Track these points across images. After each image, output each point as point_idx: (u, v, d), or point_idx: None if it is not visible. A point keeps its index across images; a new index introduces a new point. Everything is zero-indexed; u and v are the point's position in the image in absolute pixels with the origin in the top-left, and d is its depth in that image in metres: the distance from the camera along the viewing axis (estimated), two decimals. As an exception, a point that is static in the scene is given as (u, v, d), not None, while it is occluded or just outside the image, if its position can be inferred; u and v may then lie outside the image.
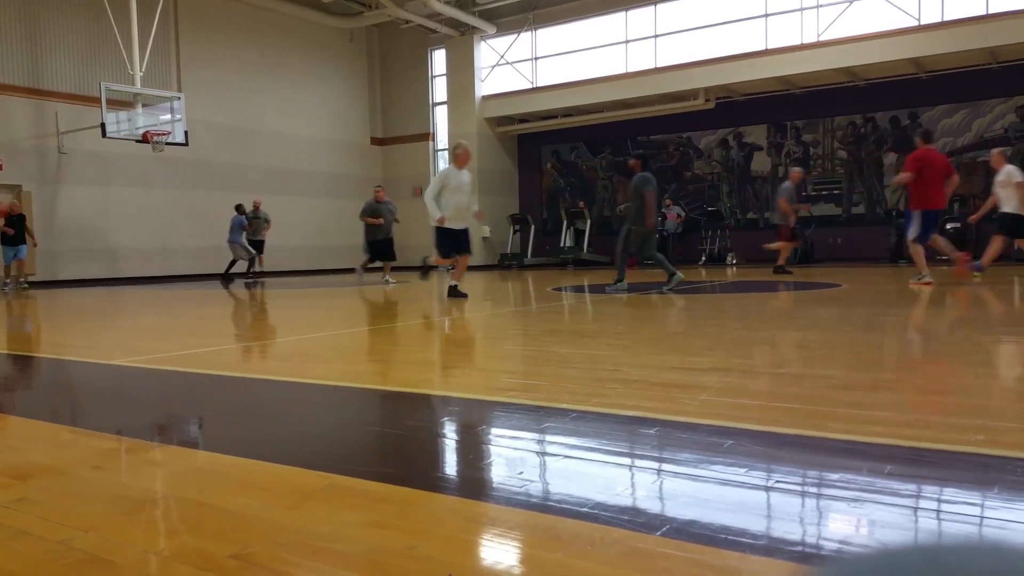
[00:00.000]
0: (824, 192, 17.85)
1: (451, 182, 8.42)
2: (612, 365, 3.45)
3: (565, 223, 19.97)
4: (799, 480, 1.73)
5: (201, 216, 18.23)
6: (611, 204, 20.38)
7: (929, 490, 1.65)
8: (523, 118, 20.96)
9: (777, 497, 1.62)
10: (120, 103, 15.00)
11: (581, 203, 20.28)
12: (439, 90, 22.12)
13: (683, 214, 18.82)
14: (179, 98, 15.74)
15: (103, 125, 14.41)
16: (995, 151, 10.24)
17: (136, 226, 17.25)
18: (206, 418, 2.74)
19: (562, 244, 19.90)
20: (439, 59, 21.84)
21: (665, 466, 1.88)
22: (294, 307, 8.23)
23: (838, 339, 4.20)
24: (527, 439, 2.21)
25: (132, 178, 17.12)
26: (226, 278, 15.93)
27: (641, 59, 18.85)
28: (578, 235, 19.92)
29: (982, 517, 1.49)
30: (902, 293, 7.88)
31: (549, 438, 2.21)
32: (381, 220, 13.08)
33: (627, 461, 1.94)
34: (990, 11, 14.77)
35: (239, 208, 15.82)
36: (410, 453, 2.11)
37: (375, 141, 22.86)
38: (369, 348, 4.58)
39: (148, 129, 15.02)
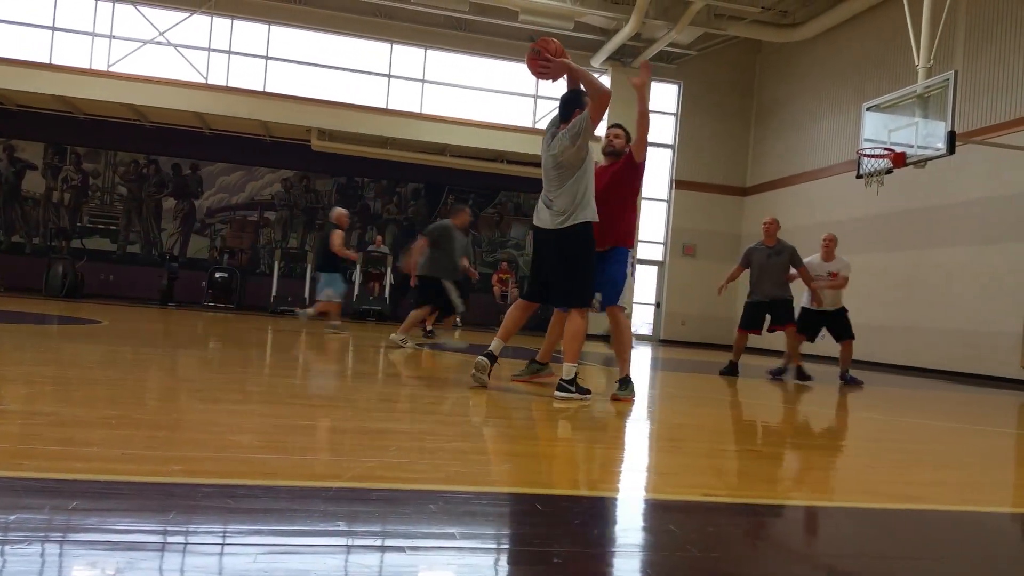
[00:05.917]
0: (100, 226, 17.14)
1: None
2: None
3: None
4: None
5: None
6: None
7: (110, 521, 1.67)
8: None
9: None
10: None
11: None
12: None
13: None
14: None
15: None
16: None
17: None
18: None
19: None
20: None
21: None
22: None
23: (78, 376, 4.01)
24: None
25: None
26: None
27: None
28: None
29: (164, 543, 1.58)
30: (165, 332, 8.08)
31: None
32: None
33: None
34: (267, 89, 16.75)
35: None
36: None
37: None
38: None
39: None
